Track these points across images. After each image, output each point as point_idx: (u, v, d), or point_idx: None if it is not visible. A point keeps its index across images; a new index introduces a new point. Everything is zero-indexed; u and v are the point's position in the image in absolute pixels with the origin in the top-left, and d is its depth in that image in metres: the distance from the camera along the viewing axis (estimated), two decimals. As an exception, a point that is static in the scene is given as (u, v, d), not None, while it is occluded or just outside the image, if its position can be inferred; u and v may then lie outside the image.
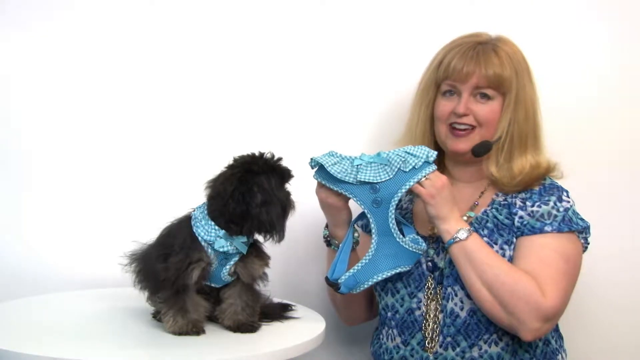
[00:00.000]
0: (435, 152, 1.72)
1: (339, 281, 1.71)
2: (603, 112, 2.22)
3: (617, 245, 2.21)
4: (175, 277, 1.61)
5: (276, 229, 1.64)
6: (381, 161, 1.70)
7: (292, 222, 1.69)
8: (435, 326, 1.79)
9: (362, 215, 1.76)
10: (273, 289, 1.79)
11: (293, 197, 1.69)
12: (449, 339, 1.77)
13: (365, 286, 1.72)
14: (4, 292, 1.98)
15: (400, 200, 1.71)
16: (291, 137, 2.14)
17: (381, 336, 1.89)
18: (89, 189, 2.11)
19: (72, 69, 2.10)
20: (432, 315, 1.80)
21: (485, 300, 1.71)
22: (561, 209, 1.77)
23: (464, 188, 1.88)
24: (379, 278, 1.71)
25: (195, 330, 1.62)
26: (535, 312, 1.67)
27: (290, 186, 1.69)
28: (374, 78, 2.21)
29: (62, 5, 2.10)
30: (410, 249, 1.72)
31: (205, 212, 1.66)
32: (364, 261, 1.72)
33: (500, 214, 1.81)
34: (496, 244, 1.77)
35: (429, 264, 1.82)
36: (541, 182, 1.82)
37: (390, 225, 1.70)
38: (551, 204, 1.78)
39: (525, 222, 1.77)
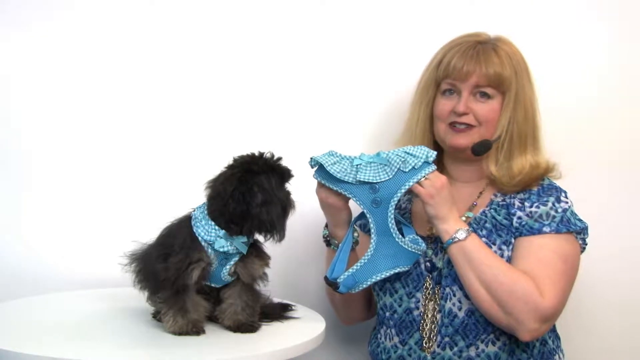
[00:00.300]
0: (435, 152, 1.72)
1: (338, 281, 1.71)
2: (603, 112, 2.22)
3: (616, 245, 2.21)
4: (175, 277, 1.61)
5: (276, 229, 1.64)
6: (381, 161, 1.70)
7: (292, 222, 1.69)
8: (433, 326, 1.79)
9: (362, 215, 1.75)
10: (273, 289, 1.79)
11: (293, 196, 1.69)
12: (446, 338, 1.77)
13: (364, 286, 1.72)
14: (4, 292, 1.98)
15: (399, 200, 1.71)
16: (291, 137, 2.13)
17: (379, 336, 1.89)
18: (89, 189, 2.10)
19: (72, 69, 2.10)
20: (430, 315, 1.80)
21: (483, 300, 1.71)
22: (559, 210, 1.77)
23: (463, 188, 1.88)
24: (378, 278, 1.71)
25: (195, 330, 1.62)
26: (534, 312, 1.67)
27: (290, 186, 1.69)
28: (374, 78, 2.20)
29: (62, 5, 2.10)
30: (410, 249, 1.72)
31: (205, 212, 1.66)
32: (363, 261, 1.72)
33: (499, 215, 1.81)
34: (494, 244, 1.78)
35: (428, 264, 1.82)
36: (540, 183, 1.83)
37: (390, 225, 1.70)
38: (550, 204, 1.78)
39: (523, 223, 1.77)
